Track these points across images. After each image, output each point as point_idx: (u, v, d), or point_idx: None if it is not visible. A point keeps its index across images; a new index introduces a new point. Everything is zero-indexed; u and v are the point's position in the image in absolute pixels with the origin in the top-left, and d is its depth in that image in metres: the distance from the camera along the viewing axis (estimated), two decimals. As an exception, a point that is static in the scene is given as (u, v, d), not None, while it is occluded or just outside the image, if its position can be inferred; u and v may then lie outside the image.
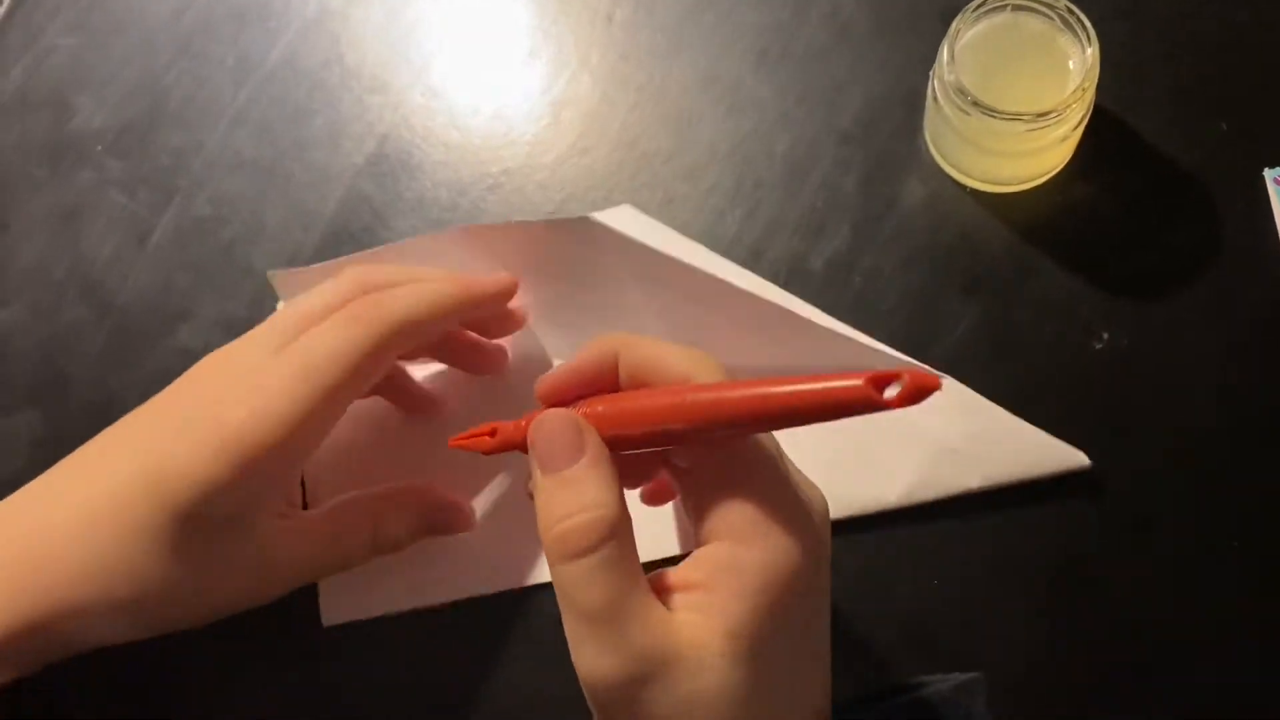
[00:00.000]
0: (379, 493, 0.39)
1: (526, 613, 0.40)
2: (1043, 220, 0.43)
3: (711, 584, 0.28)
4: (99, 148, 0.47)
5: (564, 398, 0.31)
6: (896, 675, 0.38)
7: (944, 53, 0.39)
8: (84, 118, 0.48)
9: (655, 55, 0.47)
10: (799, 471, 0.31)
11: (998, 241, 0.43)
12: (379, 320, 0.34)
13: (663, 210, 0.44)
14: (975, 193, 0.44)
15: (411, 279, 0.37)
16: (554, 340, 0.43)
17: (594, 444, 0.29)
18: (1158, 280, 0.42)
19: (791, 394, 0.25)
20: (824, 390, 0.25)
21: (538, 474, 0.29)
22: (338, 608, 0.41)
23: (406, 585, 0.41)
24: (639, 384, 0.30)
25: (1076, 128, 0.40)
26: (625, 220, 0.43)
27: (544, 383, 0.32)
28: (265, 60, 0.48)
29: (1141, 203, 0.43)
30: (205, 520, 0.33)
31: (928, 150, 0.44)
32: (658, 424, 0.28)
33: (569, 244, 0.42)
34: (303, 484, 0.41)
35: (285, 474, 0.35)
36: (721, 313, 0.41)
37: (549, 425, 0.29)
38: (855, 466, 0.40)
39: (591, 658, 0.27)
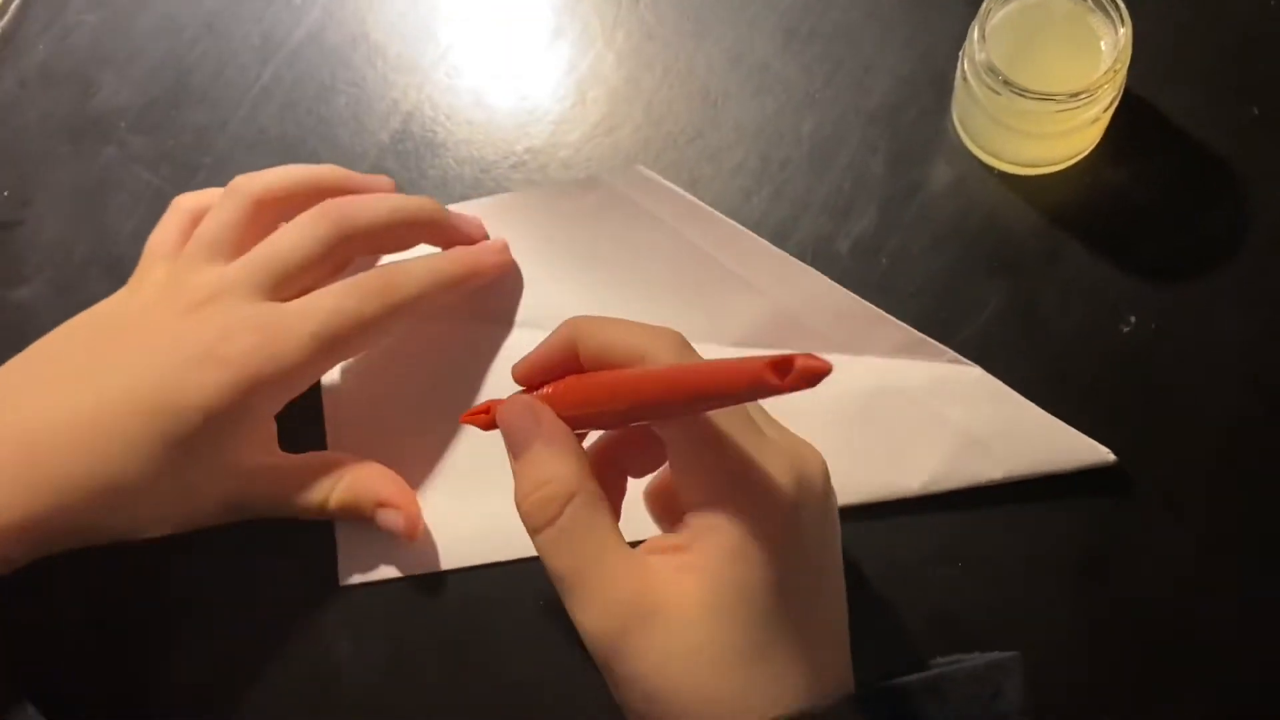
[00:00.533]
0: (349, 463, 0.40)
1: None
2: (1071, 203, 0.43)
3: (692, 545, 0.30)
4: (122, 124, 0.47)
5: (534, 380, 0.33)
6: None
7: (974, 32, 0.39)
8: (107, 94, 0.48)
9: (682, 34, 0.46)
10: (783, 431, 0.32)
11: (1025, 224, 0.43)
12: (391, 294, 0.38)
13: (688, 190, 0.44)
14: (1003, 175, 0.43)
15: (375, 213, 0.39)
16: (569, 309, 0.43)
17: (548, 424, 0.31)
18: (1187, 264, 0.42)
19: (695, 375, 0.27)
20: (723, 372, 0.26)
21: (510, 457, 0.32)
22: (355, 568, 0.41)
23: (425, 550, 0.41)
24: (598, 366, 0.31)
25: (1107, 109, 0.40)
26: (635, 181, 0.43)
27: (517, 368, 0.34)
28: (290, 38, 0.48)
29: (1171, 186, 0.42)
30: (204, 448, 0.36)
31: (956, 132, 0.44)
32: (594, 407, 0.31)
33: (579, 209, 0.43)
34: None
35: (273, 413, 0.39)
36: (732, 272, 0.42)
37: (507, 412, 0.32)
38: (878, 452, 0.40)
39: (576, 614, 0.29)
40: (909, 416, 0.40)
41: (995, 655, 0.37)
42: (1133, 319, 0.41)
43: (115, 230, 0.46)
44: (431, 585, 0.41)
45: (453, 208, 0.44)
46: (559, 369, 0.33)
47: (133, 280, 0.40)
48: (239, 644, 0.41)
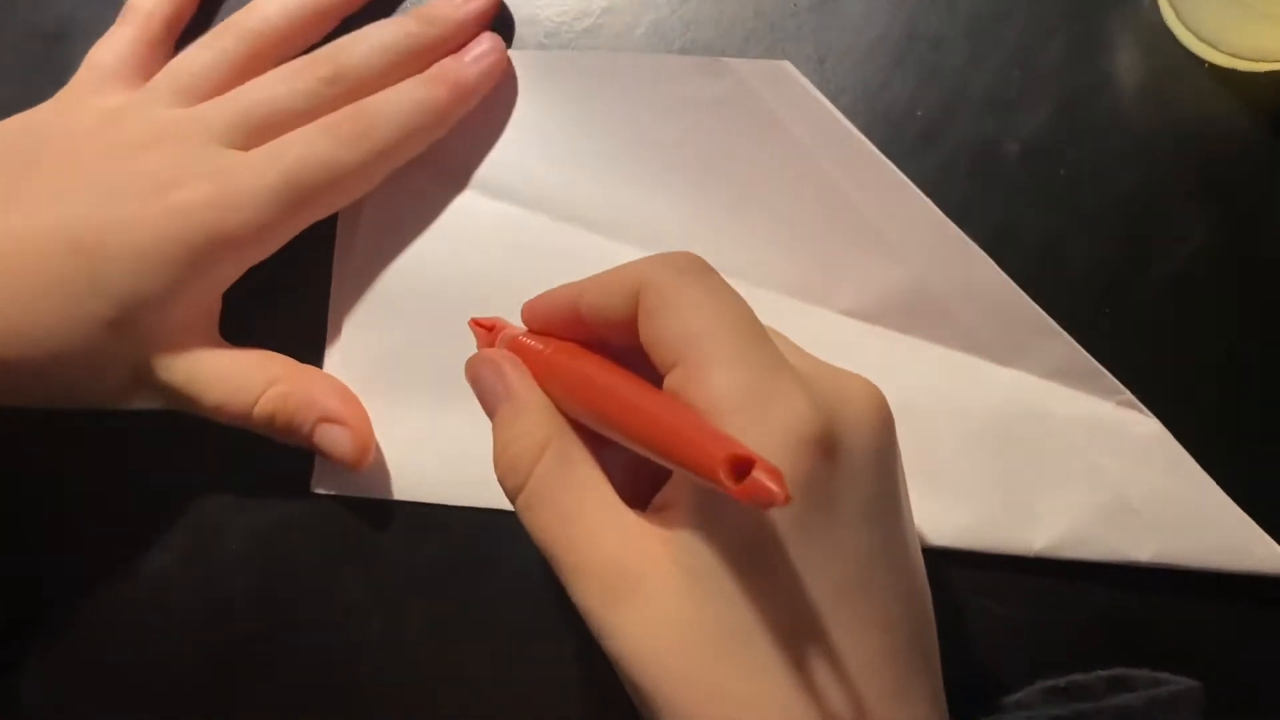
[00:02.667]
0: (289, 366, 0.33)
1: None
2: (1304, 110, 0.34)
3: (677, 499, 0.25)
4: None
5: (536, 325, 0.29)
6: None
7: None
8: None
9: None
10: (819, 363, 0.26)
11: (1245, 134, 0.33)
12: (371, 135, 0.32)
13: (811, 71, 0.35)
14: (1218, 70, 0.34)
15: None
16: (639, 218, 0.34)
17: (515, 383, 0.27)
18: None
19: (652, 424, 0.23)
20: (680, 437, 0.22)
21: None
22: (329, 478, 0.34)
23: (406, 476, 0.33)
24: (598, 323, 0.27)
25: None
26: (775, 80, 0.33)
27: (526, 306, 0.29)
28: None
29: None
30: (136, 307, 0.31)
31: (1159, 9, 0.34)
32: (561, 398, 0.27)
33: (687, 97, 0.34)
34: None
35: (226, 284, 0.33)
36: (872, 225, 0.33)
37: (473, 369, 0.28)
38: (1000, 492, 0.32)
39: (566, 587, 0.25)
40: (1052, 457, 0.32)
41: (1168, 686, 0.29)
42: (1373, 262, 0.33)
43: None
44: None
45: (515, 55, 0.35)
46: (566, 326, 0.28)
47: (67, 94, 0.34)
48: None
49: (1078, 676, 0.30)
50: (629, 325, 0.26)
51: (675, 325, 0.24)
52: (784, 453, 0.23)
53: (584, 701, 0.32)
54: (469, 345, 0.33)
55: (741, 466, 0.20)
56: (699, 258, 0.26)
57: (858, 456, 0.24)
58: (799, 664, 0.23)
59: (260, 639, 0.33)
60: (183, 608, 0.33)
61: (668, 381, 0.24)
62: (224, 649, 0.33)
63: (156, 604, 0.33)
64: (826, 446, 0.23)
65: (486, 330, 0.31)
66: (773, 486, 0.19)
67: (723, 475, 0.20)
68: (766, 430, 0.23)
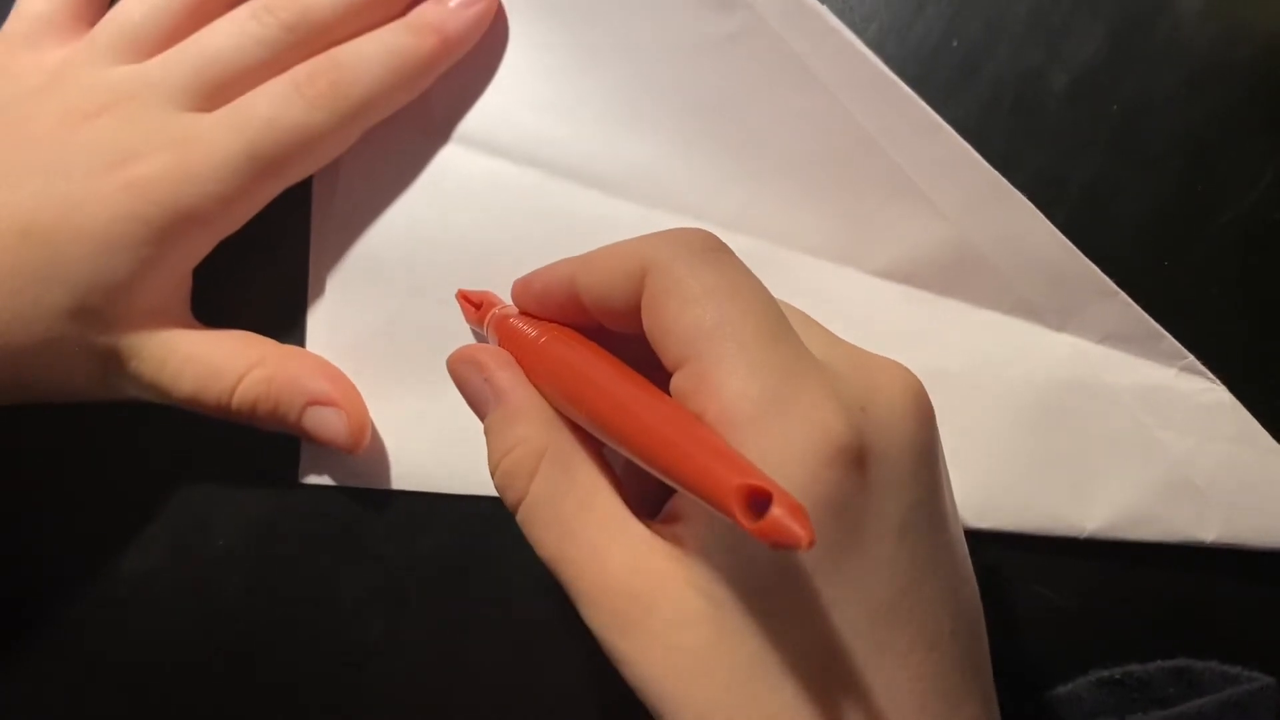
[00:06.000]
0: (271, 347, 0.30)
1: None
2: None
3: (690, 514, 0.22)
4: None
5: (530, 307, 0.27)
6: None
7: None
8: None
9: None
10: (849, 349, 0.23)
11: (1323, 59, 0.30)
12: (344, 94, 0.29)
13: (834, 1, 0.31)
14: (1293, -15, 0.30)
15: None
16: (648, 173, 0.31)
17: (504, 385, 0.25)
18: None
19: (655, 447, 0.20)
20: (687, 464, 0.19)
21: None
22: (318, 466, 0.31)
23: (402, 463, 0.31)
24: (599, 308, 0.24)
25: None
26: (790, 11, 0.30)
27: (518, 284, 0.27)
28: None
29: None
30: (93, 296, 0.28)
31: (1227, -82, 0.30)
32: (555, 395, 0.24)
33: (695, 35, 0.31)
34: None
35: (194, 262, 0.30)
36: (908, 178, 0.29)
37: (456, 370, 0.26)
38: (1051, 469, 0.29)
39: (573, 602, 0.23)
40: (1107, 430, 0.29)
41: (1239, 685, 0.27)
42: None
43: None
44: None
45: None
46: (561, 308, 0.25)
47: None
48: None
49: (1134, 667, 0.28)
50: (632, 313, 0.23)
51: (685, 317, 0.22)
52: (808, 470, 0.20)
53: (597, 703, 0.30)
54: (461, 316, 0.31)
55: (759, 498, 0.17)
56: (712, 235, 0.23)
57: (892, 463, 0.21)
58: (833, 702, 0.21)
59: (254, 640, 0.31)
60: (170, 609, 0.31)
61: (675, 381, 0.22)
62: (215, 651, 0.31)
63: (142, 605, 0.31)
64: (856, 457, 0.20)
65: (474, 306, 0.29)
66: (795, 528, 0.17)
67: (736, 510, 0.17)
68: (786, 444, 0.20)
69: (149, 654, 0.31)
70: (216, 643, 0.31)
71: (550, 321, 0.26)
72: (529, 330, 0.26)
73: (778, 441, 0.20)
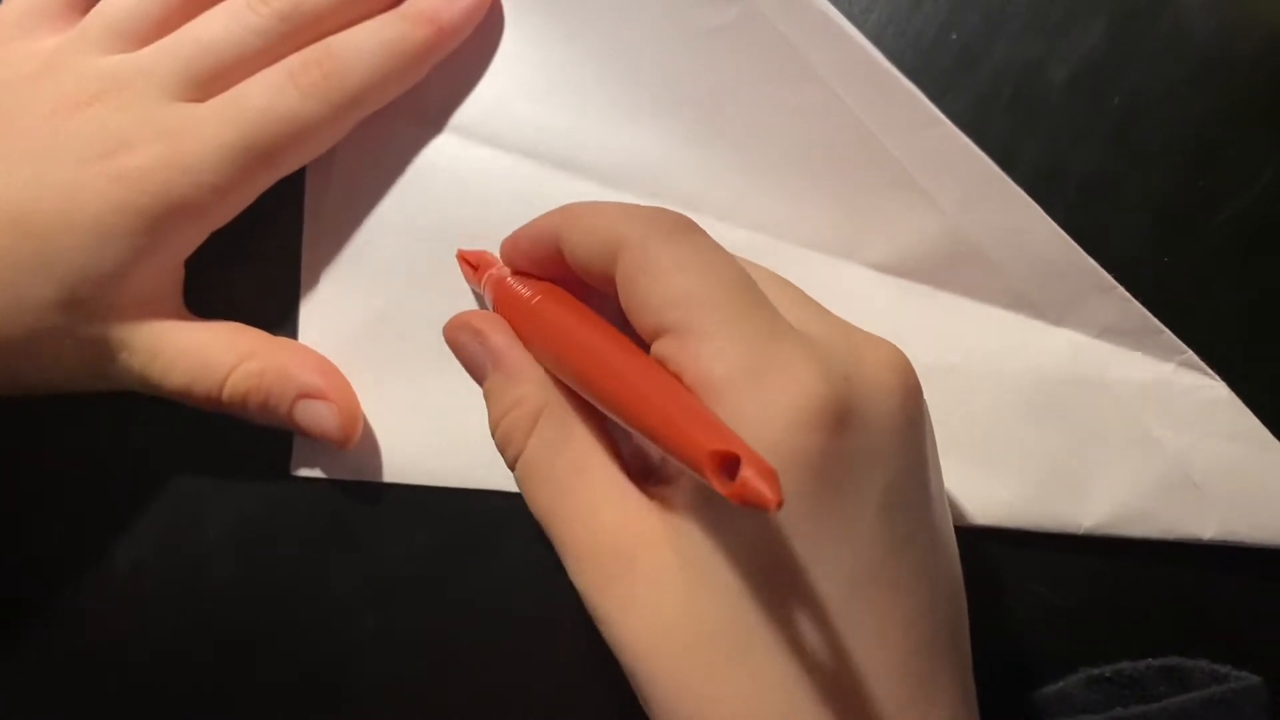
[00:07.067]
0: (261, 339, 0.30)
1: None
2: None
3: (678, 475, 0.23)
4: None
5: (519, 265, 0.27)
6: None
7: None
8: None
9: None
10: (832, 320, 0.23)
11: (1326, 52, 0.30)
12: (338, 84, 0.29)
13: (832, -11, 0.31)
14: (1297, -23, 0.30)
15: None
16: (635, 162, 0.31)
17: (500, 348, 0.26)
18: None
19: (636, 409, 0.21)
20: (665, 427, 0.20)
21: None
22: (310, 458, 0.31)
23: (395, 455, 0.31)
24: (580, 268, 0.24)
25: None
26: (788, 3, 0.30)
27: (505, 242, 0.28)
28: None
29: None
30: (84, 287, 0.27)
31: (1230, -91, 0.30)
32: (546, 357, 0.25)
33: (688, 26, 0.30)
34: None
35: (186, 253, 0.29)
36: (904, 170, 0.29)
37: (453, 336, 0.27)
38: (1047, 465, 0.29)
39: (561, 559, 0.23)
40: (1104, 425, 0.29)
41: (1226, 684, 0.27)
42: None
43: None
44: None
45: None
46: (550, 264, 0.26)
47: None
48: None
49: (1125, 665, 0.28)
50: (609, 280, 0.23)
51: (658, 290, 0.22)
52: (787, 431, 0.20)
53: (591, 696, 0.30)
54: (457, 307, 0.30)
55: (732, 461, 0.18)
56: (684, 216, 0.23)
57: (876, 432, 0.21)
58: (808, 670, 0.21)
59: (244, 634, 0.31)
60: (161, 601, 0.31)
61: (654, 352, 0.22)
62: (206, 643, 0.31)
63: (133, 597, 0.31)
64: (838, 420, 0.20)
65: (473, 267, 0.29)
66: (764, 490, 0.17)
67: (709, 473, 0.18)
68: (765, 406, 0.20)
69: (140, 645, 0.31)
70: (208, 635, 0.31)
71: (542, 280, 0.26)
72: (523, 290, 0.26)
73: (756, 404, 0.20)
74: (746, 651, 0.21)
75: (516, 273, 0.27)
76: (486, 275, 0.28)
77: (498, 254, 0.29)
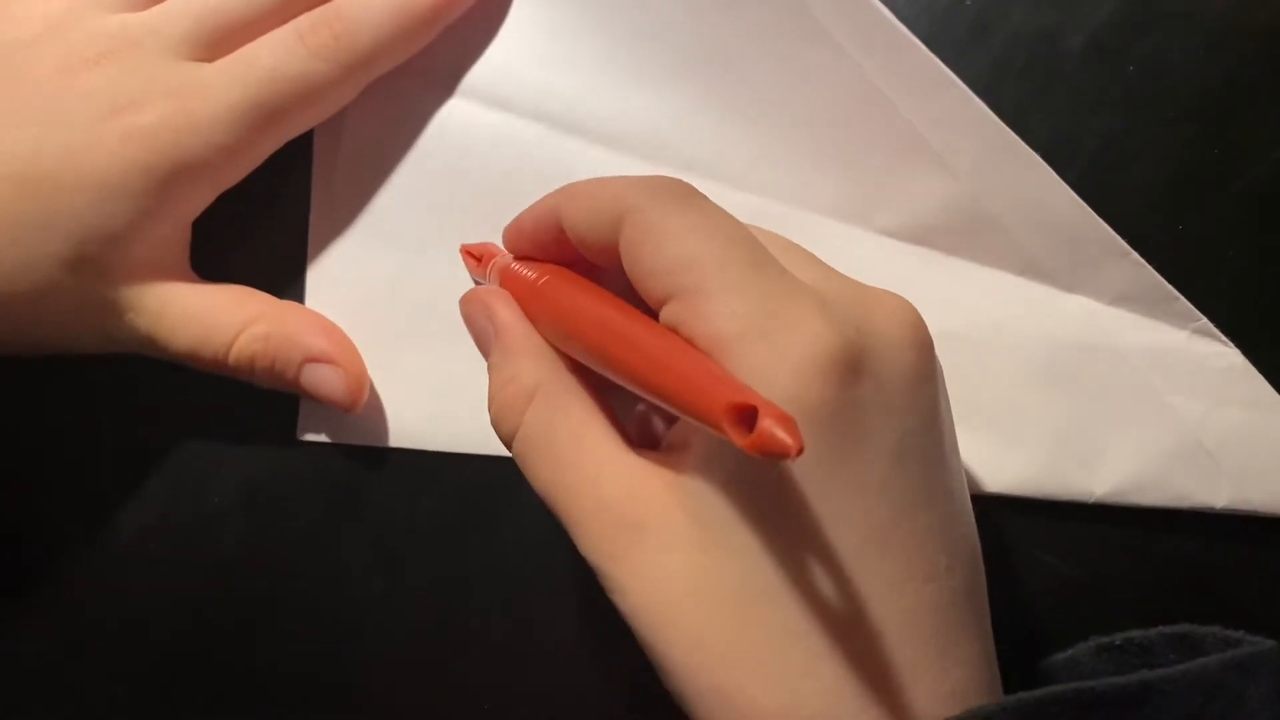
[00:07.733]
0: (268, 302, 0.30)
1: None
2: None
3: (690, 439, 0.22)
4: None
5: (522, 249, 0.27)
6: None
7: None
8: None
9: None
10: (840, 279, 0.23)
11: (1344, 20, 0.29)
12: (347, 46, 0.29)
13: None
14: (1315, -55, 0.30)
15: None
16: (653, 131, 0.31)
17: (504, 323, 0.26)
18: None
19: (648, 371, 0.21)
20: (679, 385, 0.20)
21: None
22: (317, 423, 0.31)
23: (402, 420, 0.30)
24: (583, 245, 0.24)
25: None
26: None
27: (507, 229, 0.28)
28: None
29: None
30: (94, 246, 0.27)
31: (1248, -124, 0.30)
32: (555, 333, 0.25)
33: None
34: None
35: (194, 213, 0.29)
36: (920, 135, 0.29)
37: (465, 309, 0.27)
38: (1059, 433, 0.29)
39: (569, 533, 0.23)
40: (1118, 393, 0.29)
41: (1241, 648, 0.27)
42: None
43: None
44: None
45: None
46: (552, 245, 0.26)
47: None
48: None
49: (1135, 633, 0.27)
50: (612, 251, 0.23)
51: (664, 254, 0.22)
52: (799, 379, 0.20)
53: (596, 663, 0.30)
54: (464, 272, 0.30)
55: (749, 414, 0.18)
56: (685, 183, 0.23)
57: (889, 383, 0.21)
58: (826, 624, 0.21)
59: (251, 598, 0.31)
60: (166, 566, 0.31)
61: (662, 317, 0.22)
62: (212, 609, 0.31)
63: (138, 562, 0.31)
64: (849, 369, 0.20)
65: (476, 260, 0.29)
66: (783, 436, 0.17)
67: (727, 426, 0.18)
68: (777, 357, 0.20)
69: (145, 612, 0.31)
70: (214, 601, 0.31)
71: (546, 263, 0.26)
72: (528, 273, 0.26)
73: (767, 357, 0.20)
74: (765, 606, 0.21)
75: (520, 258, 0.27)
76: (491, 264, 0.28)
77: (500, 244, 0.29)
